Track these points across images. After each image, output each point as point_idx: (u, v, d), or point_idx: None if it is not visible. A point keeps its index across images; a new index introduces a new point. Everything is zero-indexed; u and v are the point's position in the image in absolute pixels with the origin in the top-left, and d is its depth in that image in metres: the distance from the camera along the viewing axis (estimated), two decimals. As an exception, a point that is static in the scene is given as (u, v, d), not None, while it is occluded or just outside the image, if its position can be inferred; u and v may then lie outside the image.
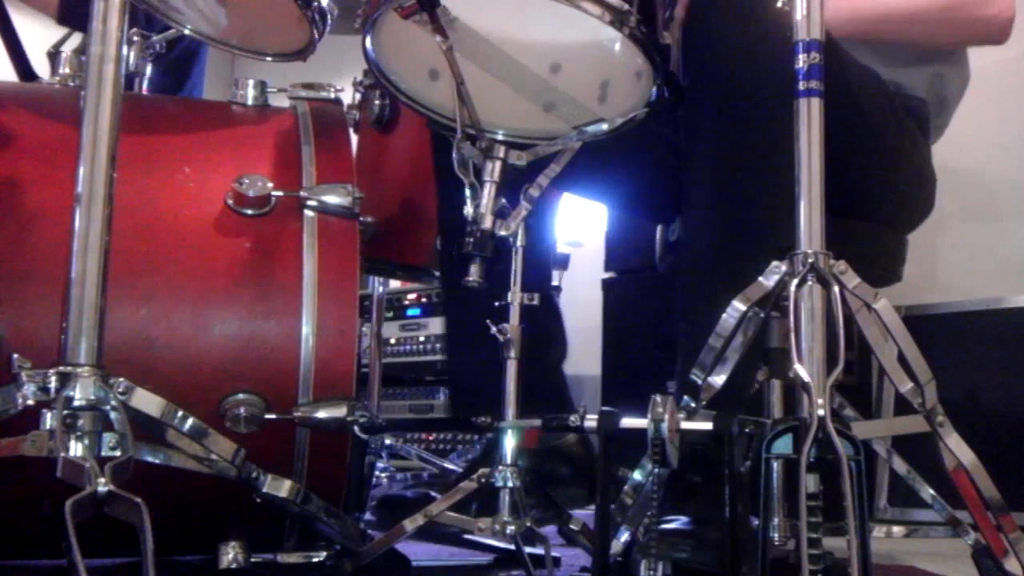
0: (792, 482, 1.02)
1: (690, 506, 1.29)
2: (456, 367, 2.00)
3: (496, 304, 1.31)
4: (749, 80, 1.46)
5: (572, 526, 1.35)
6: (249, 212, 1.29)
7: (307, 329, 1.25)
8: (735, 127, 1.48)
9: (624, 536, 1.26)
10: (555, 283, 2.93)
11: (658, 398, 1.12)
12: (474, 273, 1.26)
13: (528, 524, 1.25)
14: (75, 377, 0.98)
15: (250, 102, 1.46)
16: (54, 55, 1.59)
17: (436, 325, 3.23)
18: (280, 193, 1.29)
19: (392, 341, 3.31)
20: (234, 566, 1.25)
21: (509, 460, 1.26)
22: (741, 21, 1.48)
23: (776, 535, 1.04)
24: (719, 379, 1.21)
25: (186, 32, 1.53)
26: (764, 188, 1.47)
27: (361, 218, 1.34)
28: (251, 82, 1.46)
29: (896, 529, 1.43)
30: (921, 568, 1.61)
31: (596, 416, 1.20)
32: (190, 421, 1.08)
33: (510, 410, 1.28)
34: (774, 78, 1.35)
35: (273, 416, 1.23)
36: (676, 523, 1.28)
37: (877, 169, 1.72)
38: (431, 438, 3.15)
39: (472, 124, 1.28)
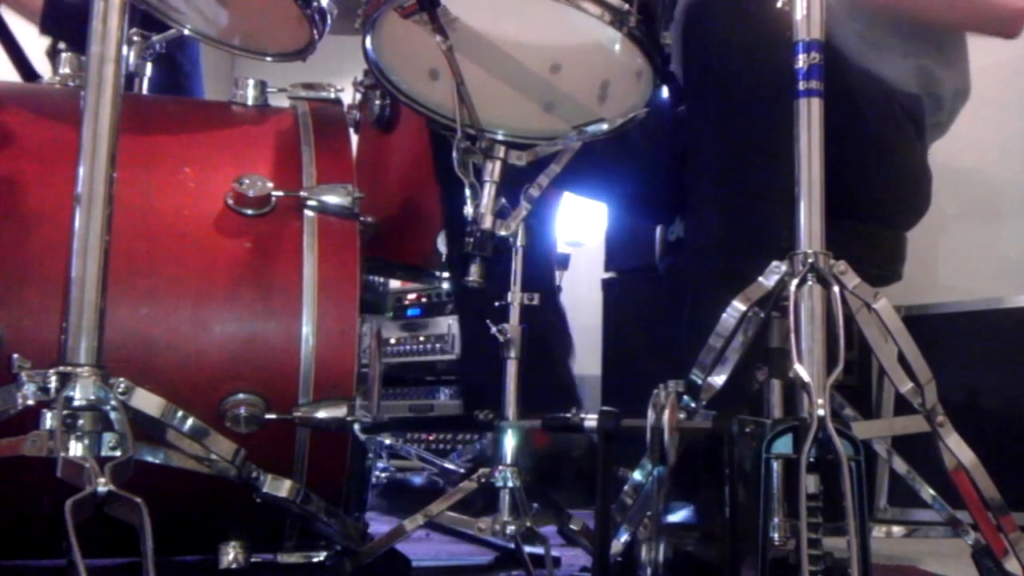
0: (792, 482, 1.02)
1: (697, 498, 1.30)
2: (468, 367, 2.00)
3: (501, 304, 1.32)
4: (750, 80, 1.46)
5: (572, 526, 1.35)
6: (249, 212, 1.29)
7: (307, 329, 1.25)
8: (736, 127, 1.48)
9: (624, 536, 1.26)
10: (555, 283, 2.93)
11: (660, 390, 1.12)
12: (474, 273, 1.26)
13: (528, 524, 1.25)
14: (75, 377, 0.98)
15: (250, 102, 1.46)
16: (53, 54, 1.59)
17: (436, 325, 3.23)
18: (280, 193, 1.29)
19: (392, 341, 3.31)
20: (234, 566, 1.25)
21: (509, 460, 1.26)
22: (741, 20, 1.48)
23: (776, 535, 1.04)
24: (719, 379, 1.21)
25: (186, 32, 1.53)
26: (766, 187, 1.46)
27: (361, 218, 1.34)
28: (251, 82, 1.46)
29: (896, 529, 1.43)
30: (921, 568, 1.61)
31: (596, 416, 1.20)
32: (190, 421, 1.08)
33: (510, 410, 1.28)
34: (774, 77, 1.35)
35: (273, 416, 1.23)
36: (681, 513, 1.28)
37: (873, 167, 1.71)
38: (431, 438, 3.14)
39: (472, 124, 1.28)
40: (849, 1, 1.68)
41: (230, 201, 1.28)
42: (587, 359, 2.63)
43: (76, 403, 0.98)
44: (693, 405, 1.21)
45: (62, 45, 1.53)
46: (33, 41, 2.00)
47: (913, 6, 1.74)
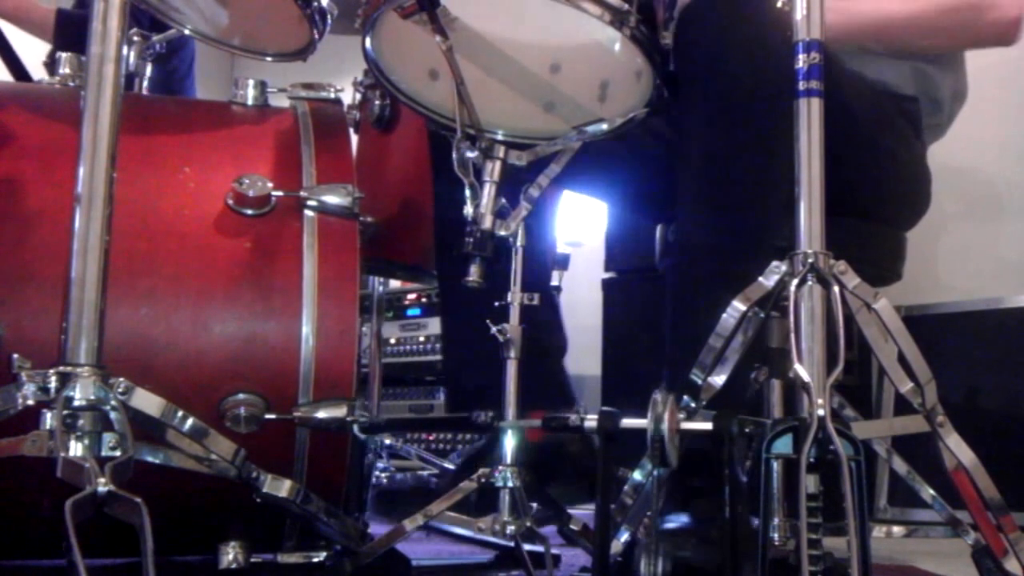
0: (792, 482, 1.02)
1: (694, 507, 1.29)
2: (452, 367, 2.00)
3: (495, 304, 1.31)
4: (743, 79, 1.46)
5: (572, 526, 1.35)
6: (249, 212, 1.29)
7: (307, 329, 1.25)
8: (729, 126, 1.48)
9: (624, 536, 1.26)
10: (555, 283, 2.93)
11: (658, 396, 1.12)
12: (474, 273, 1.26)
13: (528, 524, 1.25)
14: (75, 377, 0.98)
15: (250, 102, 1.46)
16: (52, 63, 1.58)
17: (436, 325, 3.23)
18: (280, 193, 1.30)
19: (392, 341, 3.31)
20: (234, 566, 1.25)
21: (509, 460, 1.26)
22: (735, 19, 1.47)
23: (776, 535, 1.04)
24: (719, 379, 1.21)
25: (186, 32, 1.53)
26: (757, 187, 1.46)
27: (361, 218, 1.34)
28: (251, 82, 1.46)
29: (896, 529, 1.43)
30: (921, 568, 1.61)
31: (596, 416, 1.20)
32: (190, 421, 1.08)
33: (510, 410, 1.28)
34: (768, 77, 1.35)
35: (273, 416, 1.23)
36: (677, 522, 1.28)
37: (869, 168, 1.71)
38: (431, 438, 3.14)
39: (472, 124, 1.28)
40: (852, 37, 1.68)
41: (230, 201, 1.29)
42: (587, 359, 2.63)
43: (76, 403, 0.98)
44: (693, 405, 1.21)
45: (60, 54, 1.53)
46: (27, 48, 2.00)
47: (905, 38, 1.74)
